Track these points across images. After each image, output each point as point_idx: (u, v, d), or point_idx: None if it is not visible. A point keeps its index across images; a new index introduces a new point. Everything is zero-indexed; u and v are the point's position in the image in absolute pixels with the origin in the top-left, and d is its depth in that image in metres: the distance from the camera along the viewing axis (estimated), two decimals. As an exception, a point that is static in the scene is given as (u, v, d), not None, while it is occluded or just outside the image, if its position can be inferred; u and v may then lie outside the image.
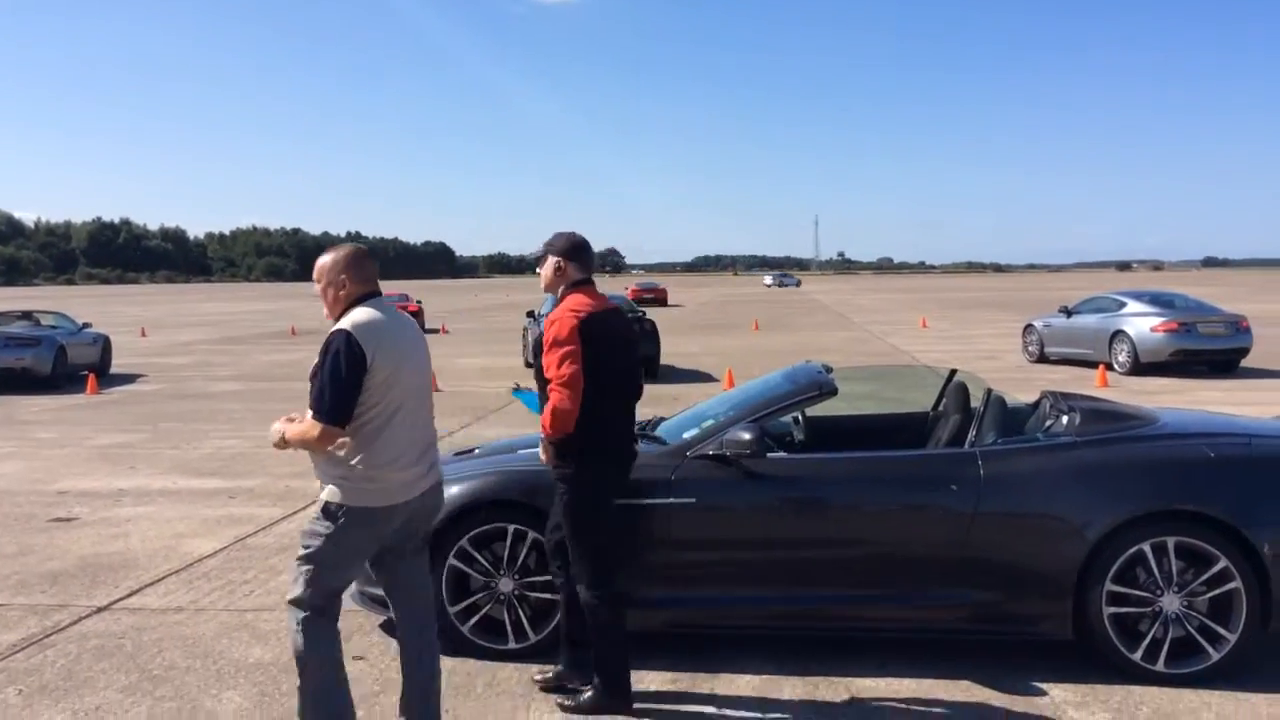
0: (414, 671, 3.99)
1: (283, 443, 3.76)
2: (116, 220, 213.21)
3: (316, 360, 3.68)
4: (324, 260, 3.89)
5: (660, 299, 58.37)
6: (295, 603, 3.74)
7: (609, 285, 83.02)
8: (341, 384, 3.61)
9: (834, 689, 4.68)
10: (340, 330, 3.67)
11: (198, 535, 7.54)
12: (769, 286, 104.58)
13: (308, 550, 3.75)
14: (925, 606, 4.88)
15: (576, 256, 4.52)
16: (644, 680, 4.77)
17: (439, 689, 4.06)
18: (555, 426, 4.30)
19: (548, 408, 4.33)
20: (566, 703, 4.49)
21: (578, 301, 4.42)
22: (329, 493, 3.72)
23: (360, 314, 3.75)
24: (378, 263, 4.09)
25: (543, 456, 4.57)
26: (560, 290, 4.54)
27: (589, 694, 4.45)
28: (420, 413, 3.92)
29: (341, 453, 3.69)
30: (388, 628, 5.47)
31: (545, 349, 4.37)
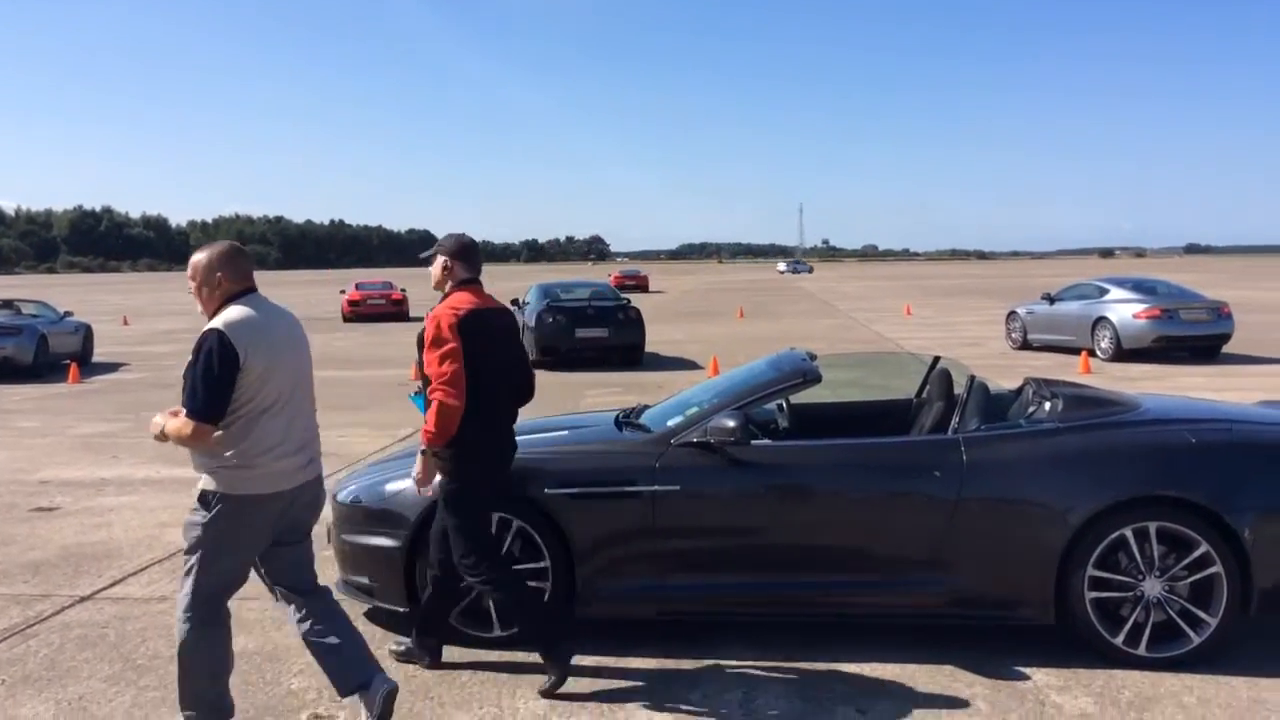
0: (328, 634, 3.99)
1: (162, 436, 3.78)
2: (98, 208, 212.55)
3: (190, 358, 3.72)
4: (198, 258, 3.89)
5: (642, 285, 59.57)
6: (183, 597, 3.80)
7: (593, 273, 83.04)
8: (214, 382, 3.64)
9: (818, 674, 4.69)
10: (213, 329, 3.70)
11: (180, 524, 7.49)
12: (782, 273, 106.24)
13: (189, 543, 3.80)
14: (909, 592, 4.90)
15: (464, 256, 4.67)
16: (629, 668, 4.79)
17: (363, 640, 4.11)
18: (439, 425, 4.39)
19: (432, 408, 4.40)
20: (545, 688, 4.54)
21: (459, 299, 4.54)
22: (205, 481, 3.77)
23: (234, 312, 3.77)
24: (254, 260, 4.12)
25: (417, 468, 4.65)
26: (447, 289, 4.65)
27: (552, 678, 4.52)
28: (300, 406, 3.94)
29: (217, 444, 3.72)
30: (372, 615, 5.47)
31: (425, 347, 4.46)
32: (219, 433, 3.69)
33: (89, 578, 6.27)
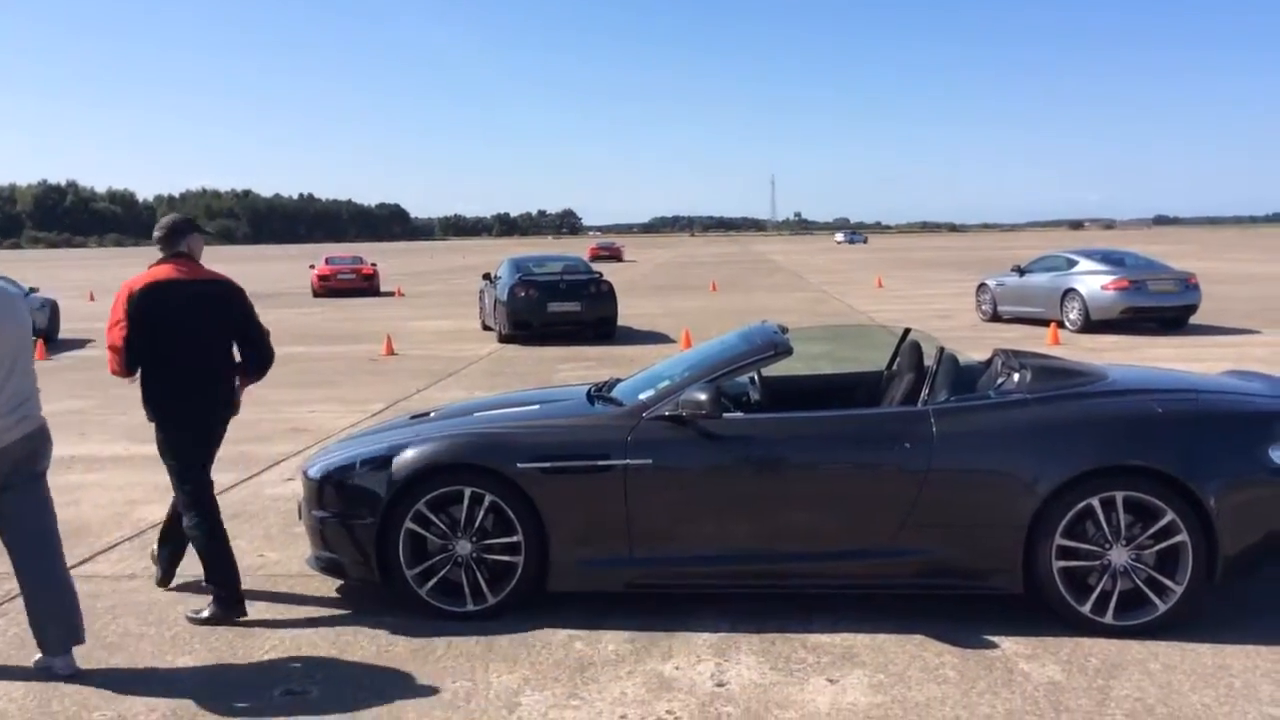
0: (40, 591, 4.46)
1: None
2: (63, 183, 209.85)
3: None
4: None
5: (616, 256, 65.58)
6: None
7: (567, 246, 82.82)
8: None
9: (789, 645, 4.73)
10: None
11: (150, 501, 7.45)
12: (839, 243, 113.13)
13: None
14: (880, 562, 4.94)
15: (165, 235, 5.22)
16: (602, 641, 4.81)
17: (75, 604, 4.53)
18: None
19: None
20: (190, 615, 5.11)
21: (147, 274, 5.09)
22: None
23: None
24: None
25: None
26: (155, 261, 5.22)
27: (209, 608, 5.07)
28: (17, 373, 4.34)
29: None
30: (348, 593, 5.47)
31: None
32: None
33: (58, 556, 6.21)
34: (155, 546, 5.67)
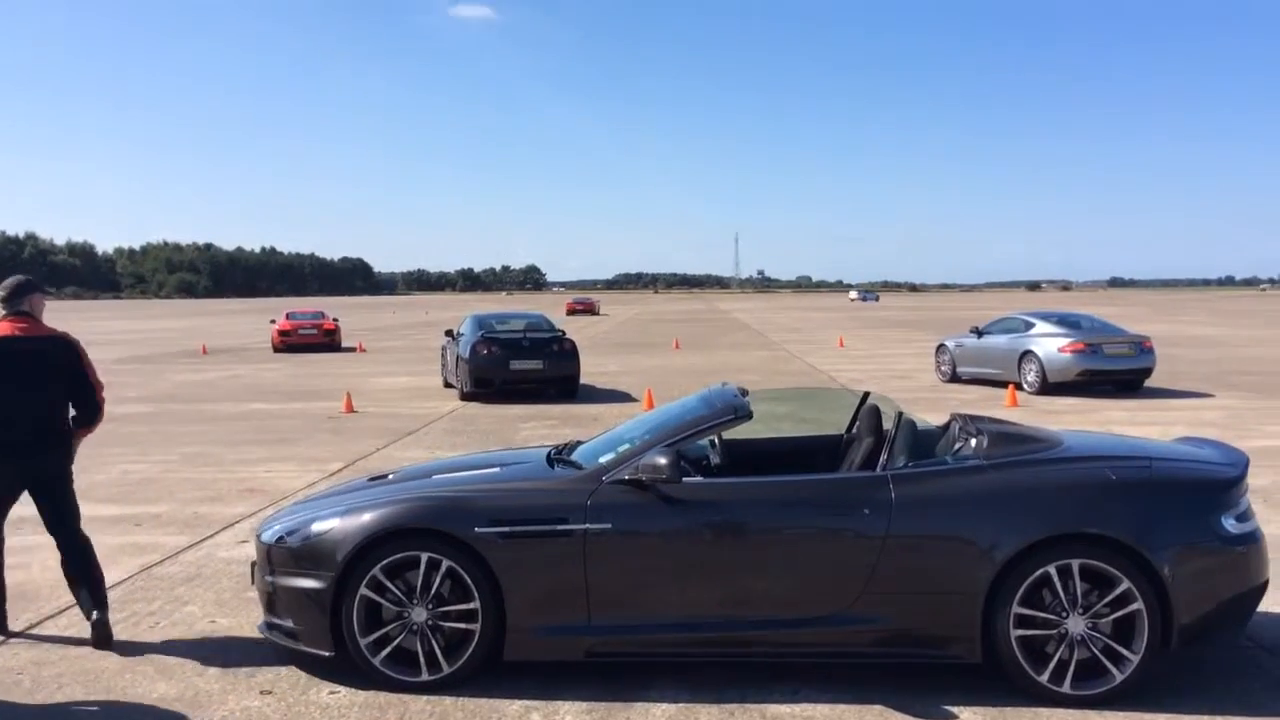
0: None
1: None
2: (21, 235, 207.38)
3: None
4: None
5: (592, 310, 75.55)
6: None
7: (532, 303, 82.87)
8: None
9: (749, 716, 4.68)
10: None
11: (101, 564, 7.28)
12: (853, 301, 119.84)
13: None
14: (839, 630, 4.92)
15: (11, 294, 5.72)
16: (559, 712, 4.74)
17: None
18: None
19: None
20: None
21: None
22: None
23: None
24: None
25: None
26: None
27: None
28: None
29: None
30: (300, 662, 5.36)
31: None
32: None
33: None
34: None
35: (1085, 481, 4.96)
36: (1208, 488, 5.00)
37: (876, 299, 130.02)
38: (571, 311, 71.56)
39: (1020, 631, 4.75)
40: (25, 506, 9.35)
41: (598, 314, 69.89)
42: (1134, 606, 4.69)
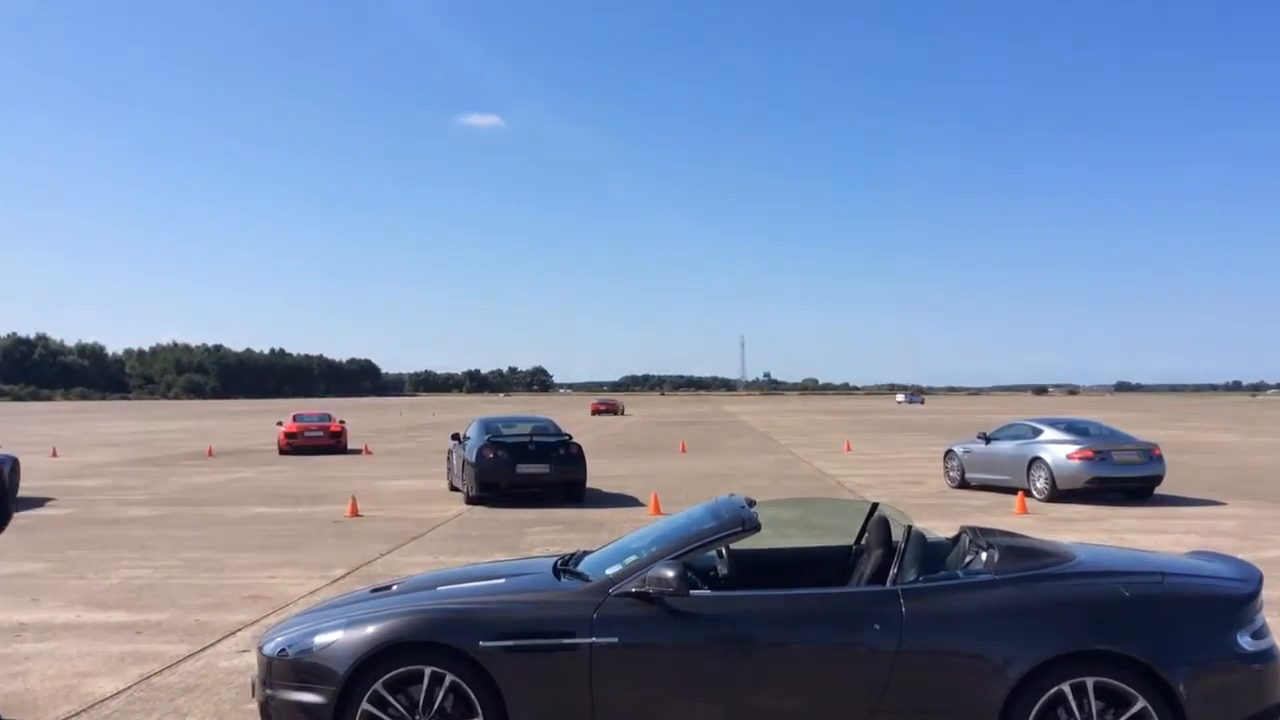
0: None
1: None
2: (32, 335, 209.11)
3: None
4: None
5: (616, 410, 78.64)
6: None
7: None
8: None
9: (758, 838, 4.56)
10: None
11: (100, 674, 7.21)
12: (900, 403, 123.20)
13: None
14: (849, 749, 4.82)
15: None
16: (563, 831, 4.62)
17: None
18: None
19: None
20: None
21: None
22: None
23: None
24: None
25: None
26: None
27: None
28: None
29: None
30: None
31: None
32: None
33: (-2, 733, 5.97)
34: None
35: (1098, 597, 4.91)
36: (1223, 604, 4.94)
37: (922, 402, 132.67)
38: (596, 412, 74.57)
39: (1036, 751, 4.65)
40: (24, 611, 9.31)
41: (621, 414, 74.00)
42: (1150, 726, 4.60)
